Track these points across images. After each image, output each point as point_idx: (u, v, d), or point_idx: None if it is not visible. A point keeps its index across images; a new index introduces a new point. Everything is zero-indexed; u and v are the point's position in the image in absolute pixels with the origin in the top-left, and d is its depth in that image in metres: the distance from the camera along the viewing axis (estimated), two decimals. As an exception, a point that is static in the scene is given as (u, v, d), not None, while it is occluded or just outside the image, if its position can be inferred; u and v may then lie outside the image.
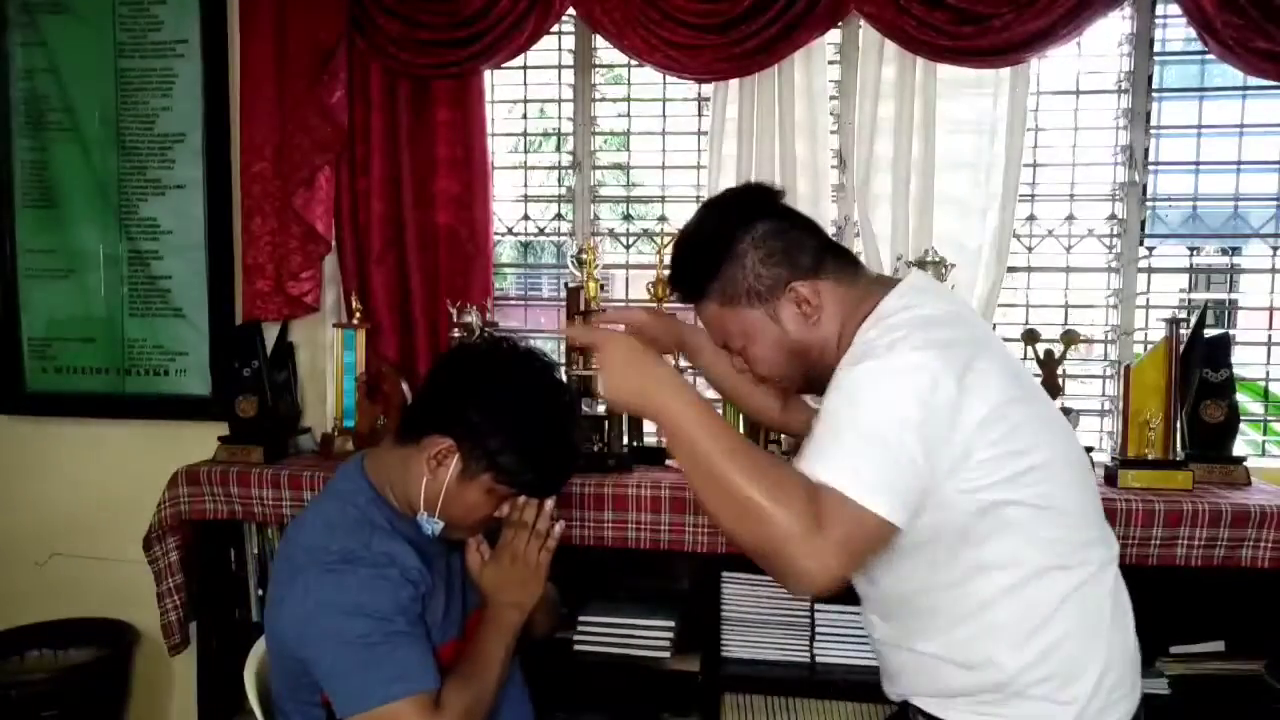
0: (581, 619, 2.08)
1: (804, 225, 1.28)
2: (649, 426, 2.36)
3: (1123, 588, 1.26)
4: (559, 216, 2.59)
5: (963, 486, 1.10)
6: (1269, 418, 2.44)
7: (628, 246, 2.57)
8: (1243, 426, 2.20)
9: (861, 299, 1.22)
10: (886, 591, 1.24)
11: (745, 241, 1.23)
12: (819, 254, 1.25)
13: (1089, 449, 2.12)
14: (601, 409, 2.20)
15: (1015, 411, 1.12)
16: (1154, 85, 2.32)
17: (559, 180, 2.60)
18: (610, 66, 2.56)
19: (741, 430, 2.04)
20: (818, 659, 2.04)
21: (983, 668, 1.16)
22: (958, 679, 1.19)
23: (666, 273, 1.35)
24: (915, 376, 1.07)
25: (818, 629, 2.05)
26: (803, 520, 1.02)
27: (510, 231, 2.62)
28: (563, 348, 2.34)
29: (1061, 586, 1.16)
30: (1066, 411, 2.12)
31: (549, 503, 1.43)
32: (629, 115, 2.54)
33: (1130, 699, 1.21)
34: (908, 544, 1.13)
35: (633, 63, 2.41)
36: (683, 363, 1.66)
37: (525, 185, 2.63)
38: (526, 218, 2.62)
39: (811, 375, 1.27)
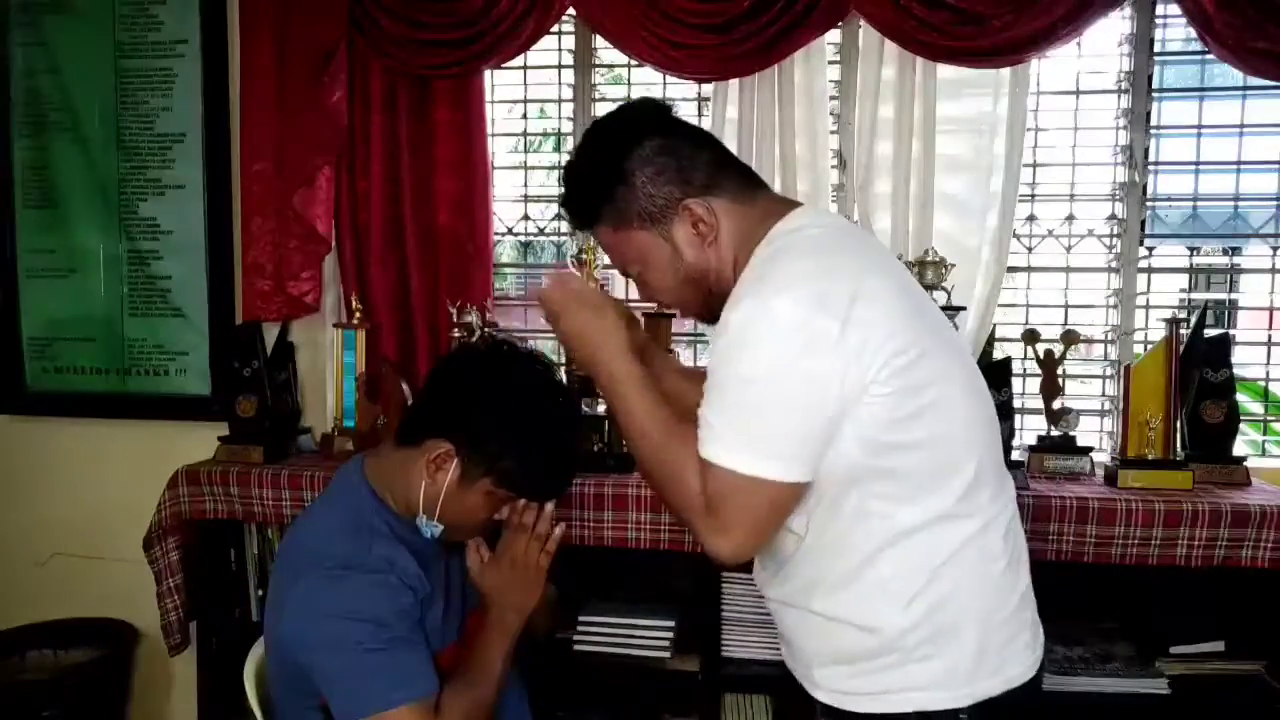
0: (581, 619, 2.08)
1: (698, 139, 1.21)
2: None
3: (1019, 535, 1.21)
4: (559, 216, 2.59)
5: (856, 428, 1.06)
6: (1269, 418, 2.44)
7: (628, 246, 2.56)
8: (1243, 426, 2.20)
9: (761, 219, 1.16)
10: (774, 545, 1.18)
11: (634, 160, 1.16)
12: (713, 170, 1.18)
13: (1089, 449, 2.13)
14: (601, 409, 2.20)
15: (910, 343, 1.06)
16: (1154, 85, 2.32)
17: (559, 180, 2.60)
18: (610, 66, 2.56)
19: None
20: (818, 659, 2.04)
21: (873, 629, 1.12)
22: (849, 641, 1.14)
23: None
24: (796, 330, 1.03)
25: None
26: (699, 499, 1.07)
27: (510, 232, 2.62)
28: (563, 348, 2.34)
29: (952, 537, 1.11)
30: (1066, 411, 2.13)
31: (549, 506, 1.43)
32: (629, 115, 2.54)
33: (1024, 658, 1.17)
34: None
35: (633, 63, 2.41)
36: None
37: (525, 185, 2.63)
38: (526, 218, 2.62)
39: (711, 301, 1.20)
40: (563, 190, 1.27)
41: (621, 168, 1.17)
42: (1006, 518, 1.18)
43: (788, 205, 1.20)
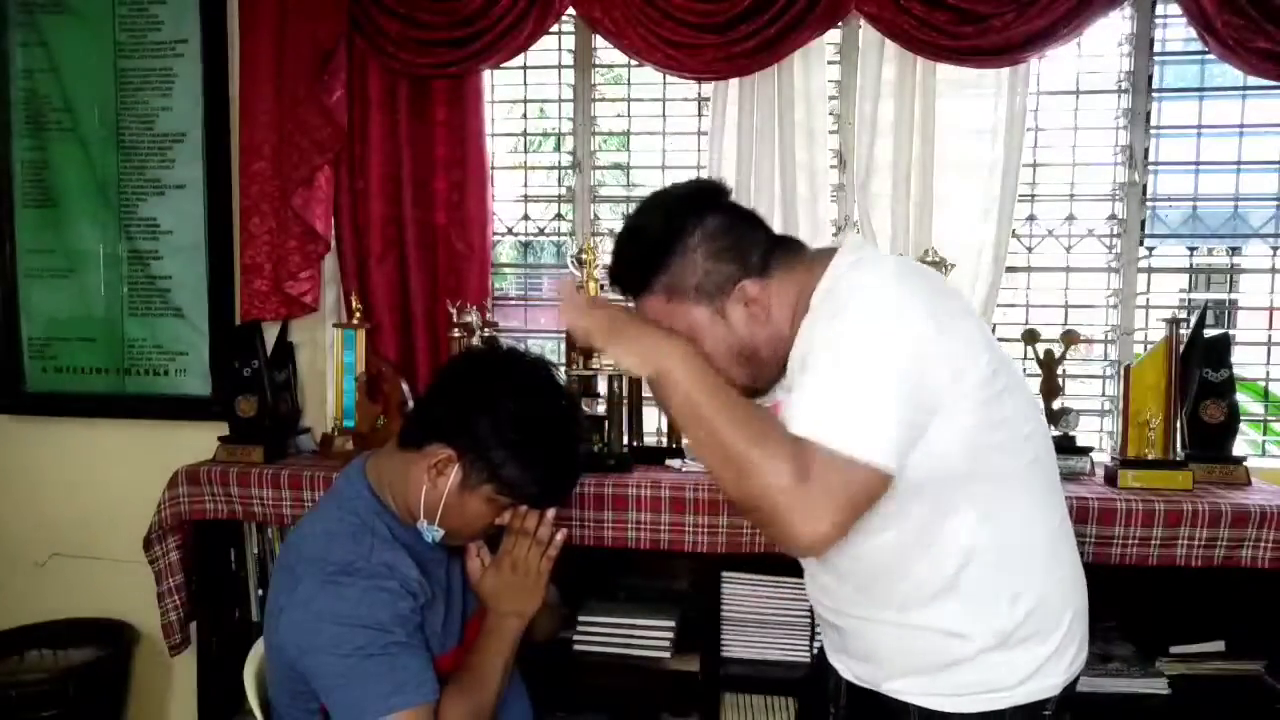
0: (581, 619, 2.08)
1: (753, 221, 1.24)
2: (649, 426, 2.37)
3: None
4: (559, 216, 2.59)
5: (955, 430, 1.08)
6: (1269, 418, 2.44)
7: (628, 246, 2.56)
8: (1243, 426, 2.20)
9: (808, 274, 1.20)
10: (864, 559, 1.19)
11: (695, 236, 1.18)
12: (768, 251, 1.21)
13: (1089, 449, 2.13)
14: (601, 409, 2.20)
15: (986, 348, 1.12)
16: (1154, 85, 2.32)
17: (559, 180, 2.60)
18: (610, 66, 2.56)
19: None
20: (818, 659, 2.04)
21: (973, 634, 1.15)
22: (949, 648, 1.16)
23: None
24: (894, 318, 1.06)
25: (818, 629, 2.04)
26: (790, 477, 1.00)
27: (510, 231, 2.62)
28: (563, 348, 2.34)
29: (1044, 533, 1.19)
30: (1066, 412, 2.13)
31: (550, 511, 1.42)
32: (629, 115, 2.54)
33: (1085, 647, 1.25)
34: (897, 494, 1.09)
35: (633, 63, 2.41)
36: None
37: (525, 185, 2.62)
38: (526, 218, 2.62)
39: (759, 375, 1.23)
40: (615, 253, 1.26)
41: (684, 241, 1.18)
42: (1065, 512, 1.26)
43: (831, 252, 1.22)
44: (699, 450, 1.11)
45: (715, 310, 1.19)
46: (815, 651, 1.44)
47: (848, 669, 1.30)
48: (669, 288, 1.20)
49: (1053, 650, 1.17)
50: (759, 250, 1.20)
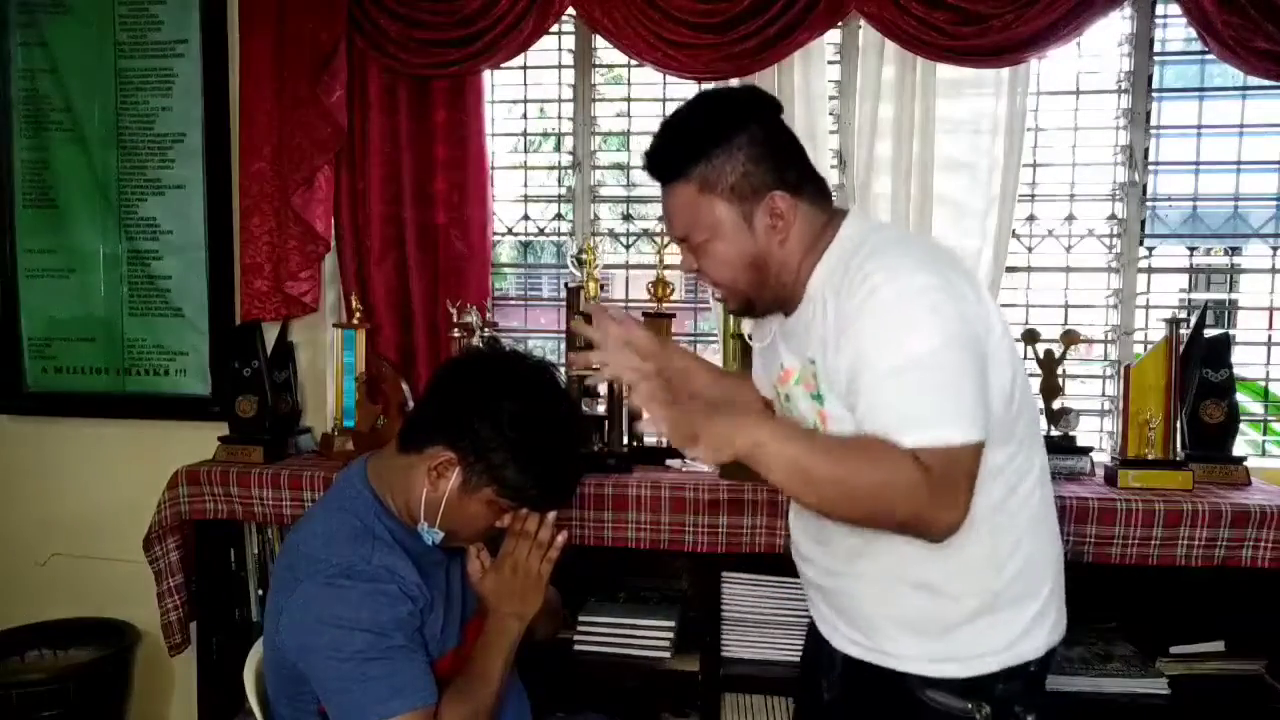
0: (581, 619, 2.08)
1: (797, 145, 1.26)
2: (648, 425, 2.36)
3: None
4: (559, 216, 2.59)
5: (994, 388, 1.14)
6: (1269, 418, 2.44)
7: (628, 246, 2.57)
8: (1243, 426, 2.20)
9: (821, 232, 1.23)
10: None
11: (742, 136, 1.20)
12: (804, 177, 1.23)
13: (1089, 449, 2.13)
14: (601, 409, 2.20)
15: (995, 311, 1.19)
16: (1154, 85, 2.32)
17: (559, 180, 2.60)
18: (610, 66, 2.56)
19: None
20: (818, 659, 2.04)
21: (969, 592, 1.19)
22: (943, 607, 1.20)
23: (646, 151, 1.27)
24: (939, 293, 1.10)
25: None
26: (919, 487, 1.06)
27: (510, 231, 2.62)
28: (563, 348, 2.34)
29: (1036, 485, 1.24)
30: (1066, 411, 2.13)
31: (550, 513, 1.42)
32: (629, 115, 2.54)
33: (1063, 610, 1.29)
34: None
35: (633, 62, 2.41)
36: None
37: (525, 185, 2.63)
38: (526, 218, 2.62)
39: (759, 295, 1.26)
40: (656, 138, 1.25)
41: (733, 134, 1.19)
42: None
43: (841, 214, 1.25)
44: (826, 508, 1.15)
45: (742, 214, 1.21)
46: (807, 631, 1.46)
47: (841, 636, 1.31)
48: (704, 179, 1.20)
49: (1036, 611, 1.22)
50: (796, 172, 1.22)
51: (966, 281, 1.16)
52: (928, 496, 1.07)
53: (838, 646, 1.31)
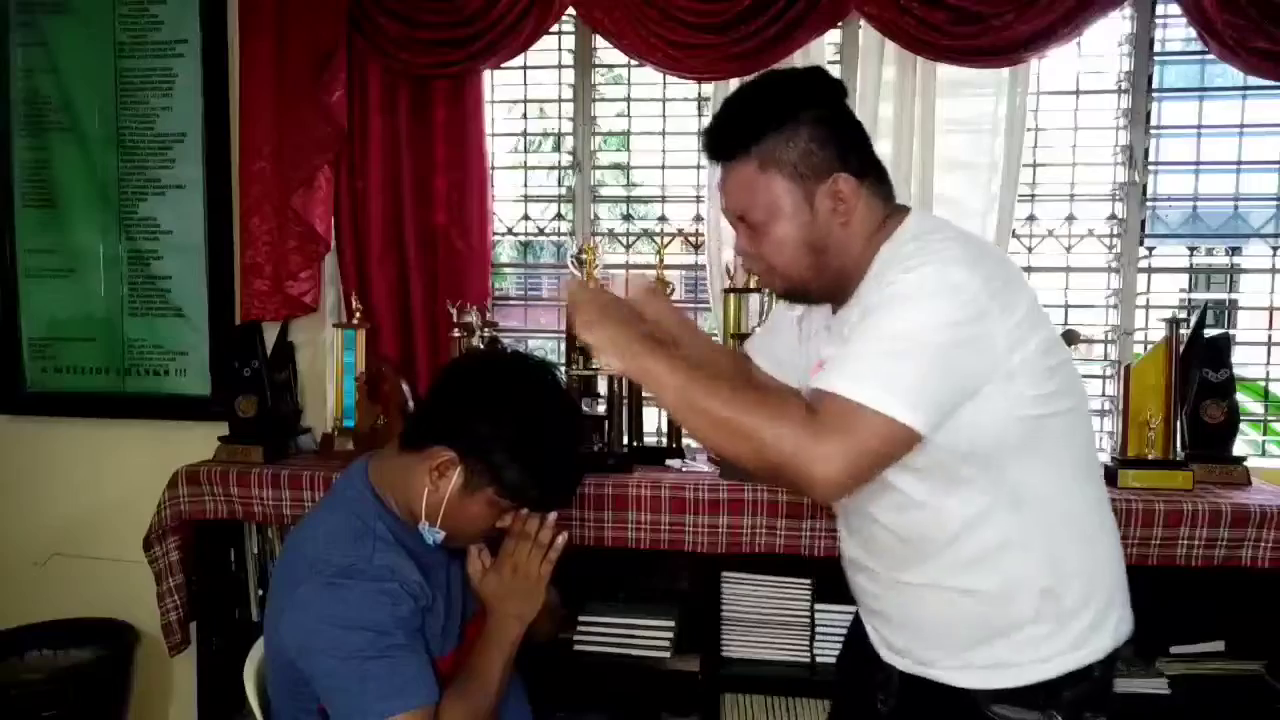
0: (581, 619, 2.08)
1: (863, 131, 1.23)
2: (649, 426, 2.37)
3: None
4: (559, 216, 2.59)
5: (1009, 400, 1.11)
6: (1269, 418, 2.44)
7: (628, 246, 2.57)
8: (1243, 426, 2.20)
9: (883, 222, 1.21)
10: (931, 524, 1.19)
11: (809, 114, 1.17)
12: (868, 163, 1.21)
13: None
14: (601, 409, 2.20)
15: (1042, 323, 1.16)
16: (1154, 85, 2.32)
17: (559, 180, 2.60)
18: (610, 66, 2.56)
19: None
20: (818, 659, 2.04)
21: (1030, 599, 1.17)
22: (1005, 614, 1.18)
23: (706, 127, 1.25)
24: (954, 290, 1.07)
25: (818, 629, 2.05)
26: (798, 422, 1.04)
27: (510, 231, 2.62)
28: (563, 348, 2.34)
29: (1091, 502, 1.22)
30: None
31: (551, 514, 1.42)
32: (629, 115, 2.54)
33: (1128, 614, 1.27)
34: (950, 460, 1.12)
35: (633, 62, 2.41)
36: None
37: (525, 185, 2.62)
38: (526, 218, 2.62)
39: (815, 280, 1.22)
40: (719, 114, 1.24)
41: (797, 113, 1.17)
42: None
43: (905, 210, 1.23)
44: (705, 435, 1.12)
45: (804, 194, 1.18)
46: (848, 632, 1.45)
47: (890, 649, 1.30)
48: (767, 156, 1.18)
49: (1098, 615, 1.19)
50: (860, 156, 1.20)
51: (1000, 294, 1.10)
52: (805, 439, 1.02)
53: (888, 660, 1.30)
